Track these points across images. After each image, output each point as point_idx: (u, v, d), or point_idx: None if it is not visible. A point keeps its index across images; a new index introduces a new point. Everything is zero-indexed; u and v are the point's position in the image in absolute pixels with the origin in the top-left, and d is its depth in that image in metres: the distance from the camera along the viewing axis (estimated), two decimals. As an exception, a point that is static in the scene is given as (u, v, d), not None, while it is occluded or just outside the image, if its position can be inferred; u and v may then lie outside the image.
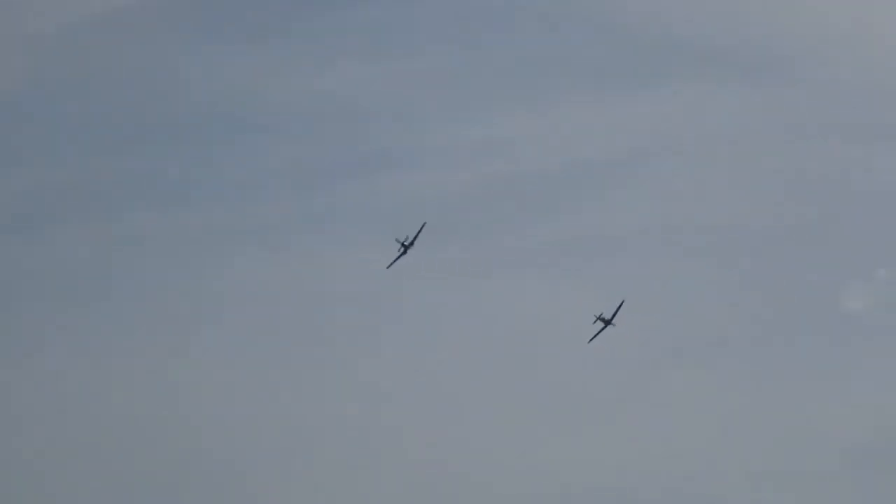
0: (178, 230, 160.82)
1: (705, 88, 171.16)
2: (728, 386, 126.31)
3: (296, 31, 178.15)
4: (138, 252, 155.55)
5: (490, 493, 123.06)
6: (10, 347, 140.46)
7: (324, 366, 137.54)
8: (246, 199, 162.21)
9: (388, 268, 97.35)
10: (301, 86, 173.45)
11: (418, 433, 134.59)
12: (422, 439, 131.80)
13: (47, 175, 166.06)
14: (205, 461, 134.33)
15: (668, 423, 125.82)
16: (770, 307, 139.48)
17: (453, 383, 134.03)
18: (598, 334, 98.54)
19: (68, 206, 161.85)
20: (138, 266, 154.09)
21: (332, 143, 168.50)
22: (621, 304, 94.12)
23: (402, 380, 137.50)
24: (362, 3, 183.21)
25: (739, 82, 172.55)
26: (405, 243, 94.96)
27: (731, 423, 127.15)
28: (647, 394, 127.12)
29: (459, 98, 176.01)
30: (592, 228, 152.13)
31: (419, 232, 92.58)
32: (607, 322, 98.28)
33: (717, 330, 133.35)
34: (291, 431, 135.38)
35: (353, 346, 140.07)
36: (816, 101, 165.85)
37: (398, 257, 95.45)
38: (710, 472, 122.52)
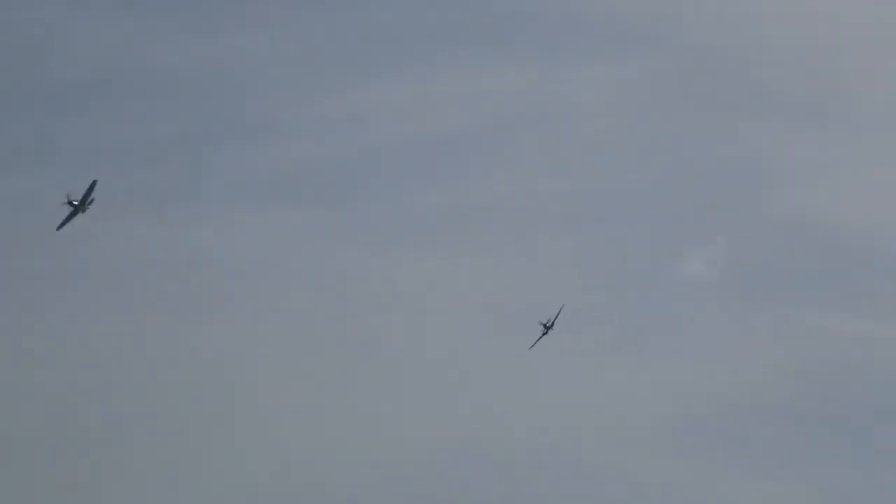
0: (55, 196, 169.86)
1: (567, 62, 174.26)
2: (574, 350, 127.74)
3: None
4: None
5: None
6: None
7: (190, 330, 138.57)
8: (120, 165, 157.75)
9: (58, 229, 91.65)
10: (179, 53, 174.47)
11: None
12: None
13: None
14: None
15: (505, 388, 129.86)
16: (611, 272, 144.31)
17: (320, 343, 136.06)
18: (538, 340, 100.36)
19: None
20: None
21: (207, 111, 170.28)
22: (560, 309, 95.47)
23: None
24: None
25: (599, 58, 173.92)
26: (74, 202, 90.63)
27: (574, 386, 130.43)
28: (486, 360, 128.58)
29: (324, 69, 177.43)
30: (459, 199, 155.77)
31: (90, 190, 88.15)
32: (548, 328, 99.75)
33: (568, 296, 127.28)
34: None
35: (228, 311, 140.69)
36: (670, 73, 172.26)
37: (69, 217, 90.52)
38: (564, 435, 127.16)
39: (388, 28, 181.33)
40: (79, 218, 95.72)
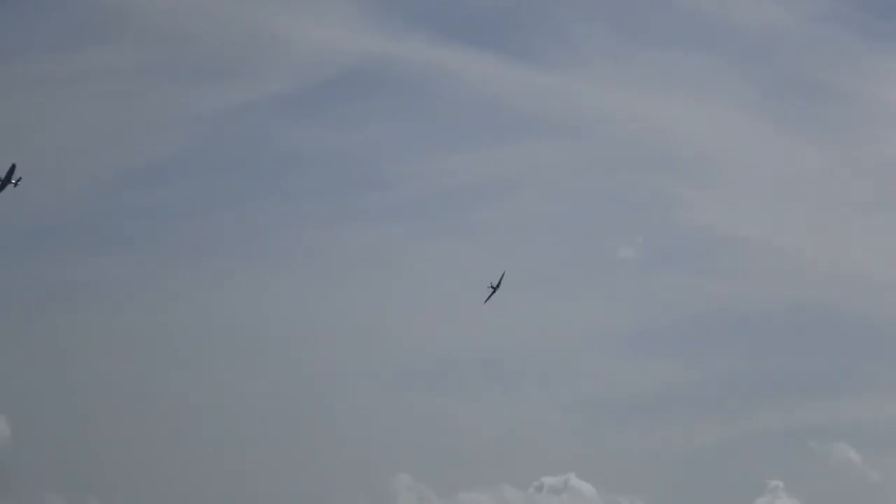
0: None
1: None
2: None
3: None
4: None
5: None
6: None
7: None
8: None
9: None
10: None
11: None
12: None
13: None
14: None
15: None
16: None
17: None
18: (489, 297, 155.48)
19: None
20: None
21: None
22: (503, 274, 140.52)
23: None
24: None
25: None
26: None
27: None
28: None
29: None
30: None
31: (11, 171, 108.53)
32: (495, 288, 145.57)
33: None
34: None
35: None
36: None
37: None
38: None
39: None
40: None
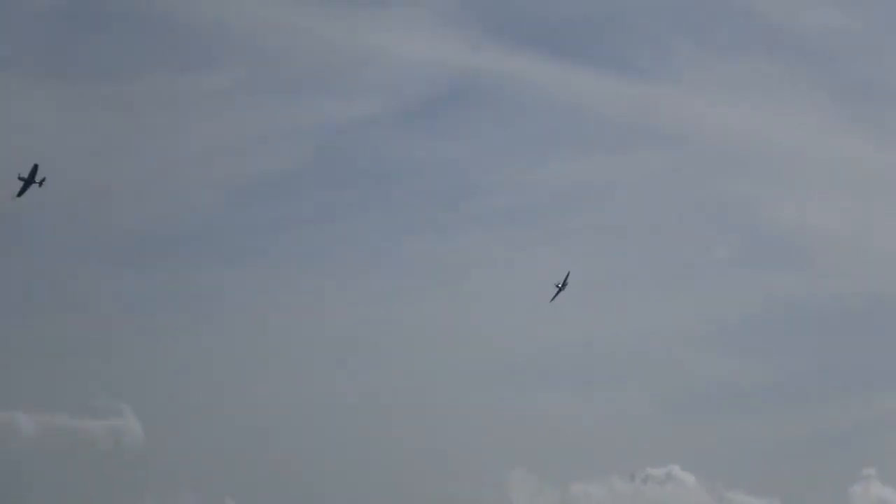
0: None
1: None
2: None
3: None
4: None
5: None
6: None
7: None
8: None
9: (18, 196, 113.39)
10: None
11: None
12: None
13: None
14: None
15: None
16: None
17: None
18: (556, 295, 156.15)
19: None
20: None
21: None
22: (568, 274, 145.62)
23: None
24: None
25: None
26: (23, 178, 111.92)
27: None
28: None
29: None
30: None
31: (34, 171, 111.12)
32: (561, 288, 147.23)
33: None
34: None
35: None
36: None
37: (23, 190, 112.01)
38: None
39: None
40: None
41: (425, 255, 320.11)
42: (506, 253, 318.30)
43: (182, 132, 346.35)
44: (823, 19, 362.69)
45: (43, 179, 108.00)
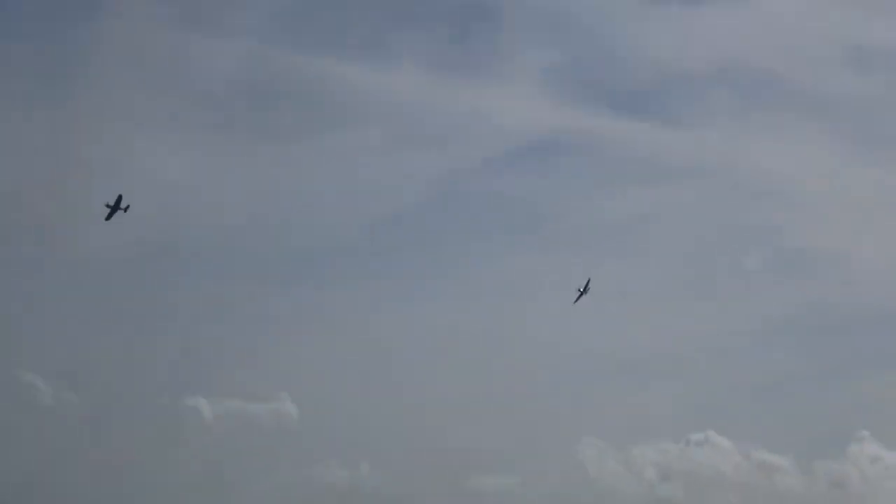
0: None
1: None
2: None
3: None
4: None
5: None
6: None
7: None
8: None
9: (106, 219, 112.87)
10: None
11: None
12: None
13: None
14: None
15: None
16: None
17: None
18: (578, 299, 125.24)
19: None
20: None
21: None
22: (588, 280, 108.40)
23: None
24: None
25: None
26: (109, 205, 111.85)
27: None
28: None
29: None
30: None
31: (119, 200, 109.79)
32: (583, 292, 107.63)
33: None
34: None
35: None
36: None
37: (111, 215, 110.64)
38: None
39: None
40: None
41: (519, 272, 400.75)
42: (575, 268, 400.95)
43: (331, 177, 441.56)
44: (842, 84, 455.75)
45: (127, 206, 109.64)
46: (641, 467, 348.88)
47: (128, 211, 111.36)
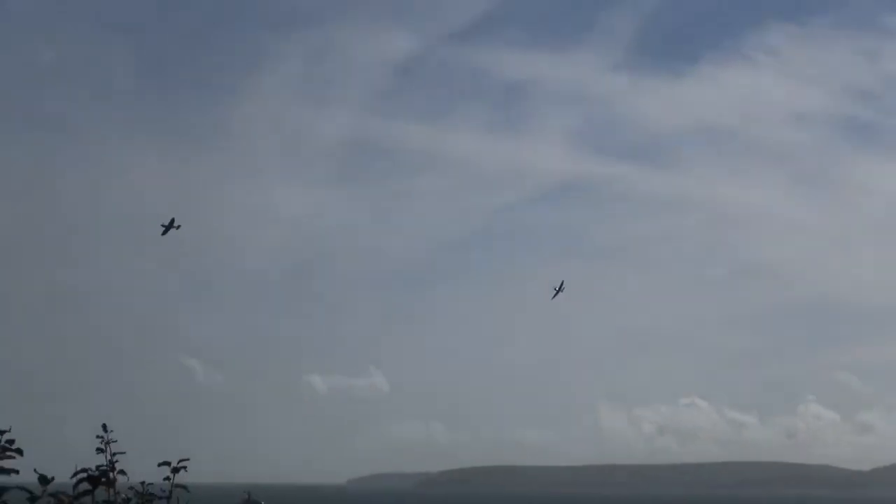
0: None
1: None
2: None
3: None
4: None
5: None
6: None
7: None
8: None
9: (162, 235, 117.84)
10: None
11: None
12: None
13: None
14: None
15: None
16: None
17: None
18: (555, 295, 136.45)
19: None
20: None
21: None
22: (562, 282, 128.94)
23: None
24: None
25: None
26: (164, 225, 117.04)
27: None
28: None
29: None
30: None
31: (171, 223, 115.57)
32: (558, 290, 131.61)
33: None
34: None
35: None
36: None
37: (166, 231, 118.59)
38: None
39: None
40: None
41: (547, 277, 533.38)
42: (594, 275, 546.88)
43: (411, 212, 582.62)
44: (781, 132, 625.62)
45: (179, 225, 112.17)
46: (642, 424, 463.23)
47: (179, 229, 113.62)
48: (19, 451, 14.52)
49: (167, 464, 16.39)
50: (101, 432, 16.08)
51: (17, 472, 14.58)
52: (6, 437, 14.67)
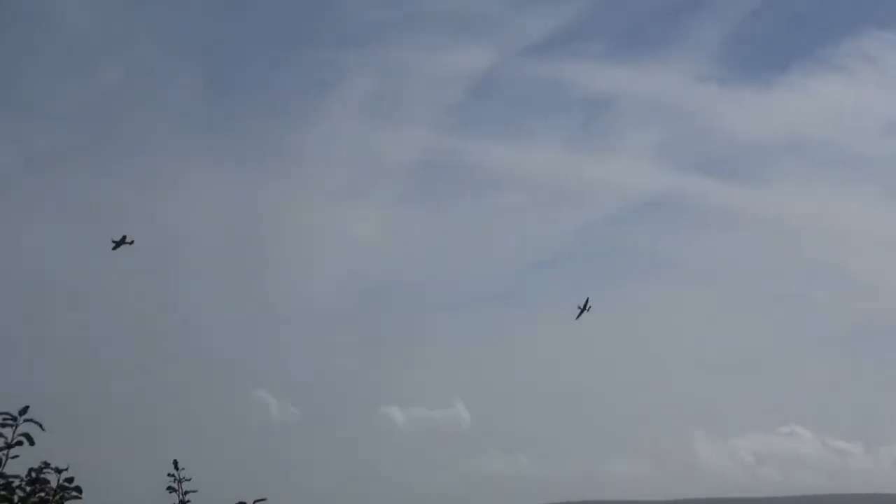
0: None
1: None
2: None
3: None
4: None
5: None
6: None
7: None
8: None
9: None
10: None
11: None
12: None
13: None
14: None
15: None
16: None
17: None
18: (580, 315, 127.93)
19: None
20: None
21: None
22: (587, 300, 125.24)
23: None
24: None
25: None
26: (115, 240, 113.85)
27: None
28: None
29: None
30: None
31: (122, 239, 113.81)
32: (583, 309, 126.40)
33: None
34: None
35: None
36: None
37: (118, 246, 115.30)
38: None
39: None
40: None
41: (619, 301, 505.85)
42: (699, 294, 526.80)
43: (490, 232, 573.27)
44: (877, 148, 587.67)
45: (132, 241, 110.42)
46: (739, 454, 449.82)
47: (132, 244, 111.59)
48: (78, 490, 13.82)
49: (242, 503, 15.67)
50: (172, 470, 15.45)
51: (80, 512, 13.97)
52: (64, 475, 14.10)
